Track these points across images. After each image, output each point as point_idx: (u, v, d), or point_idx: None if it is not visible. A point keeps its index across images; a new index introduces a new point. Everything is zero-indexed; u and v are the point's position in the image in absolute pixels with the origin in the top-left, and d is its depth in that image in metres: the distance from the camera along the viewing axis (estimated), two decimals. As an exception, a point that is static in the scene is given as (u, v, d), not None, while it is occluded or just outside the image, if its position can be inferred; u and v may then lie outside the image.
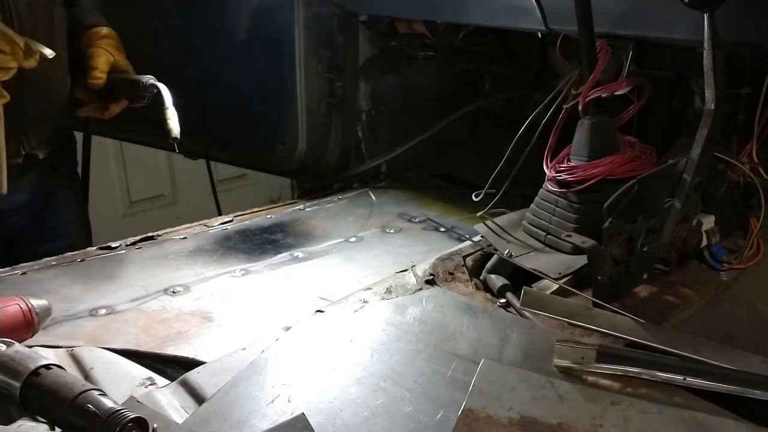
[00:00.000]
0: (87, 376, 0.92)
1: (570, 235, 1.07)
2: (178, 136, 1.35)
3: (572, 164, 1.19)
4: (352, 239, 1.46)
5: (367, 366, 0.90)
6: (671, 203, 1.09)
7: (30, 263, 1.31)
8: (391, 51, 1.86)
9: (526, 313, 1.00)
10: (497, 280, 1.11)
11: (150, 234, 1.45)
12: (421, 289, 1.08)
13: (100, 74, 1.44)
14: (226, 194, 2.53)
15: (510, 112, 1.90)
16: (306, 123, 1.79)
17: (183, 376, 0.90)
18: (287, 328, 0.99)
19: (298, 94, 1.76)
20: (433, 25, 1.69)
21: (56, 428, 0.76)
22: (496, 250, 1.18)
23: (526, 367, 0.87)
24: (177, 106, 1.38)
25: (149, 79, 1.43)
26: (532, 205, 1.25)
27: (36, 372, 0.74)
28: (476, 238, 1.26)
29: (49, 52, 1.27)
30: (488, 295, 1.09)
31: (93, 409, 0.70)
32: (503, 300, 1.07)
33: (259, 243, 1.43)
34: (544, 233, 1.20)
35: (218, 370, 0.90)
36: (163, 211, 3.19)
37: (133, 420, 0.69)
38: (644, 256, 1.07)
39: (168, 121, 1.36)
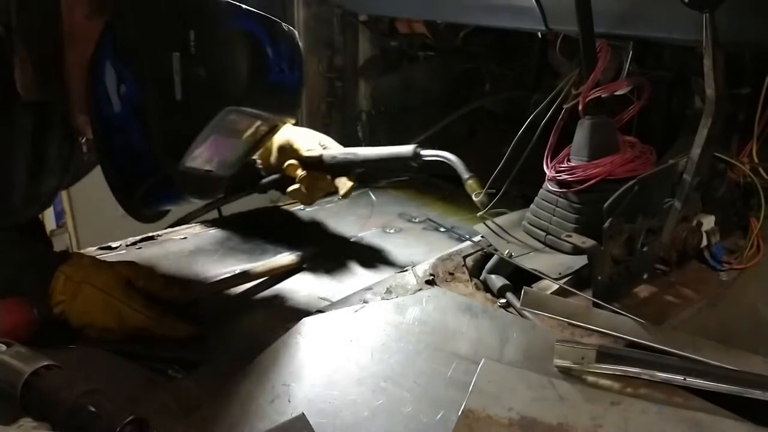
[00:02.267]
0: (87, 377, 0.92)
1: (570, 235, 1.07)
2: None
3: (572, 164, 1.19)
4: (352, 239, 1.46)
5: (367, 366, 0.90)
6: (671, 203, 1.09)
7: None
8: (391, 51, 1.87)
9: (526, 313, 1.00)
10: (497, 280, 1.11)
11: (150, 234, 1.45)
12: (421, 289, 1.08)
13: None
14: (226, 194, 2.52)
15: (510, 112, 1.90)
16: (306, 123, 1.79)
17: (184, 375, 0.90)
18: (287, 328, 0.99)
19: (298, 94, 1.76)
20: (433, 25, 1.69)
21: (57, 428, 0.76)
22: (496, 250, 1.18)
23: (526, 367, 0.87)
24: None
25: (411, 148, 1.31)
26: (532, 205, 1.25)
27: (36, 372, 0.74)
28: (476, 238, 1.26)
29: None
30: (488, 295, 1.09)
31: (93, 409, 0.70)
32: (503, 300, 1.07)
33: (259, 243, 1.43)
34: (544, 233, 1.20)
35: (219, 369, 0.90)
36: (163, 211, 3.18)
37: (133, 420, 0.69)
38: (644, 256, 1.07)
39: (474, 189, 1.27)
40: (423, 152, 1.32)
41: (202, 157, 1.04)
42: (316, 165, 1.36)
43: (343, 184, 1.36)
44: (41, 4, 1.02)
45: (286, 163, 1.37)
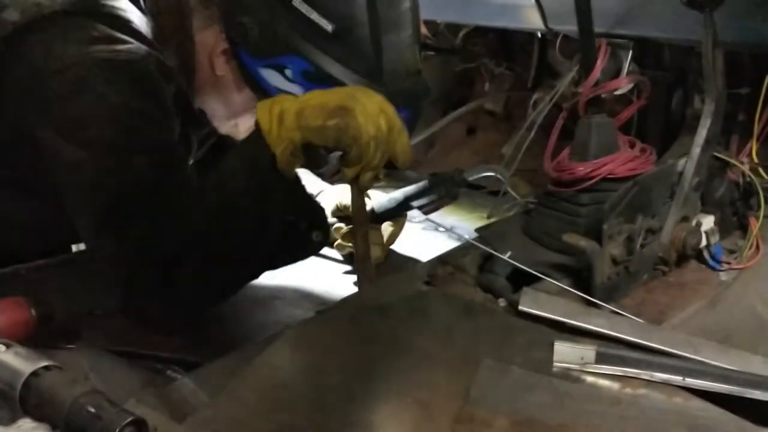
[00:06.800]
0: (87, 377, 0.92)
1: (570, 236, 1.07)
2: None
3: (573, 163, 1.19)
4: (352, 239, 1.45)
5: (366, 368, 0.90)
6: (671, 203, 1.09)
7: (30, 263, 1.30)
8: (391, 51, 1.86)
9: (526, 313, 1.00)
10: (497, 280, 1.11)
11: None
12: (421, 289, 1.08)
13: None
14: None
15: (510, 112, 1.90)
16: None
17: (183, 376, 0.90)
18: (287, 329, 0.99)
19: (299, 94, 1.75)
20: (433, 25, 1.69)
21: (56, 429, 0.76)
22: (496, 250, 1.18)
23: (526, 367, 0.86)
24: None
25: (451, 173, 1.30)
26: (533, 206, 1.25)
27: (35, 372, 0.74)
28: (476, 238, 1.26)
29: None
30: (488, 295, 1.09)
31: (93, 409, 0.70)
32: (503, 300, 1.07)
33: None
34: (544, 233, 1.20)
35: (218, 370, 0.90)
36: (163, 211, 3.17)
37: (133, 420, 0.69)
38: (644, 256, 1.07)
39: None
40: (466, 173, 1.30)
41: None
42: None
43: (386, 229, 1.34)
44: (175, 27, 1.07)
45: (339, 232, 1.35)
